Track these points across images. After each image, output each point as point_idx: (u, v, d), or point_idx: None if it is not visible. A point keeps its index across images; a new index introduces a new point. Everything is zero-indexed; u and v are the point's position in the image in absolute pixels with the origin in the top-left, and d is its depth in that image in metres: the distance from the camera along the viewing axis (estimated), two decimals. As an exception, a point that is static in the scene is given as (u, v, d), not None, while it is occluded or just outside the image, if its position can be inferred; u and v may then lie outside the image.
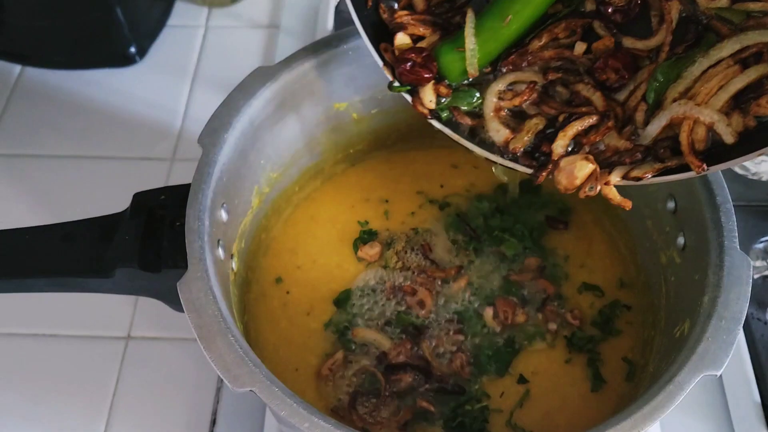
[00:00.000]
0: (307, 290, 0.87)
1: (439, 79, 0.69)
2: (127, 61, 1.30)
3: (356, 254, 0.89)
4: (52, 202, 1.13)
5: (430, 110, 0.70)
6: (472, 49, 0.67)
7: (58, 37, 1.27)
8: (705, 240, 0.68)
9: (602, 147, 0.65)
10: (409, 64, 0.68)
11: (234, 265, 0.78)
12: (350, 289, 0.87)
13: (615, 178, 0.63)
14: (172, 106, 1.26)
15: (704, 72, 0.62)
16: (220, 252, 0.72)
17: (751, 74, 0.60)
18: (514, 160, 0.67)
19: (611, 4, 0.67)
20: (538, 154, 0.66)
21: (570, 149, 0.65)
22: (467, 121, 0.69)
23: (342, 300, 0.86)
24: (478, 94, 0.69)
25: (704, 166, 0.59)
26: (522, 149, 0.66)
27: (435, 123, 0.71)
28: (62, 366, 0.99)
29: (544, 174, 0.65)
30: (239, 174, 0.77)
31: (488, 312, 0.84)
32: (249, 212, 0.83)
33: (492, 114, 0.67)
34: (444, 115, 0.70)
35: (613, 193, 0.64)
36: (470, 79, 0.69)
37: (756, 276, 0.98)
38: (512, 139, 0.66)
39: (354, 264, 0.89)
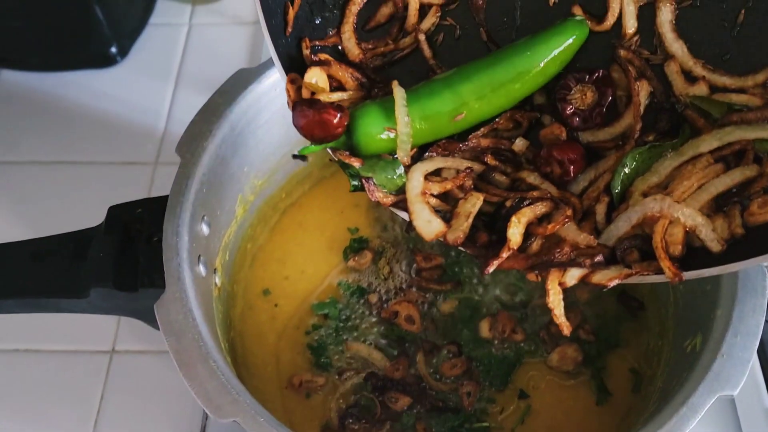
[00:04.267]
0: (296, 302, 0.83)
1: (348, 147, 0.56)
2: (107, 61, 1.25)
3: (346, 263, 0.85)
4: (30, 211, 1.09)
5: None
6: (406, 133, 0.54)
7: (35, 38, 1.22)
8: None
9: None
10: (314, 108, 0.54)
11: (218, 279, 0.74)
12: (340, 302, 0.82)
13: (571, 279, 0.52)
14: (155, 108, 1.21)
15: (678, 168, 0.53)
16: (201, 269, 0.67)
17: (736, 176, 0.52)
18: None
19: (571, 104, 0.57)
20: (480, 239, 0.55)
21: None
22: (381, 199, 0.55)
23: (332, 313, 0.82)
24: (401, 170, 0.55)
25: (682, 275, 0.50)
26: (463, 239, 0.54)
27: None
28: (45, 382, 0.95)
29: (495, 264, 0.52)
30: (221, 183, 0.73)
31: (484, 324, 0.80)
32: (233, 223, 0.78)
33: (419, 198, 0.54)
34: (351, 184, 0.57)
35: (556, 302, 0.52)
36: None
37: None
38: (449, 230, 0.54)
39: (344, 274, 0.85)
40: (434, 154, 0.57)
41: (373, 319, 0.81)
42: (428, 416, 0.75)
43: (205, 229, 0.70)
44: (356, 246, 0.86)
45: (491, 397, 0.76)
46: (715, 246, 0.51)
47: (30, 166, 1.14)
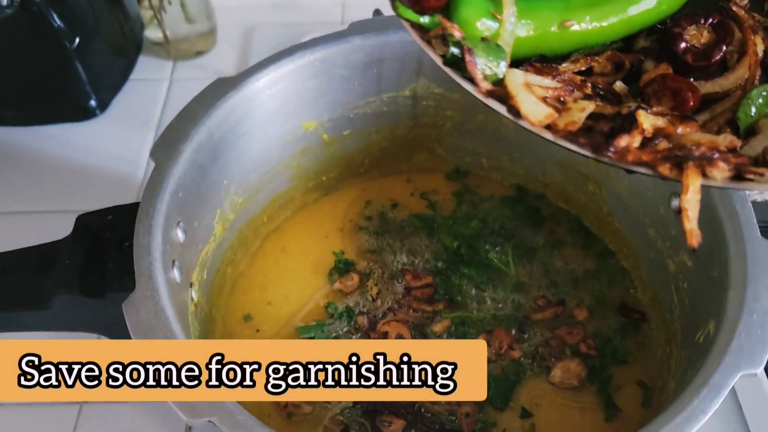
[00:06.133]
0: (279, 327, 0.78)
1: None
2: (86, 114, 1.23)
3: (332, 286, 0.81)
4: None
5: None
6: (511, 21, 0.49)
7: (13, 93, 1.20)
8: (720, 233, 0.61)
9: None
10: None
11: (194, 295, 0.69)
12: (326, 325, 0.77)
13: (721, 171, 0.44)
14: (134, 158, 1.19)
15: None
16: (176, 273, 0.63)
17: None
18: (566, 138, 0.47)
19: (685, 40, 0.52)
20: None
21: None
22: (479, 80, 0.47)
23: (318, 337, 0.76)
24: (503, 64, 0.48)
25: None
26: (578, 126, 0.46)
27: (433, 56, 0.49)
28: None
29: (624, 140, 0.44)
30: (199, 192, 0.69)
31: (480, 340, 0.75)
32: (211, 239, 0.74)
33: (521, 86, 0.47)
34: (449, 51, 0.48)
35: (693, 202, 0.44)
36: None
37: None
38: (560, 117, 0.46)
39: (330, 297, 0.80)
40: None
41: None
42: (425, 440, 0.69)
43: (180, 235, 0.66)
44: (342, 268, 0.82)
45: (491, 417, 0.70)
46: None
47: (6, 216, 1.10)
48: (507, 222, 0.85)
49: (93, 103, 1.23)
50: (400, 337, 0.75)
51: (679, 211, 0.69)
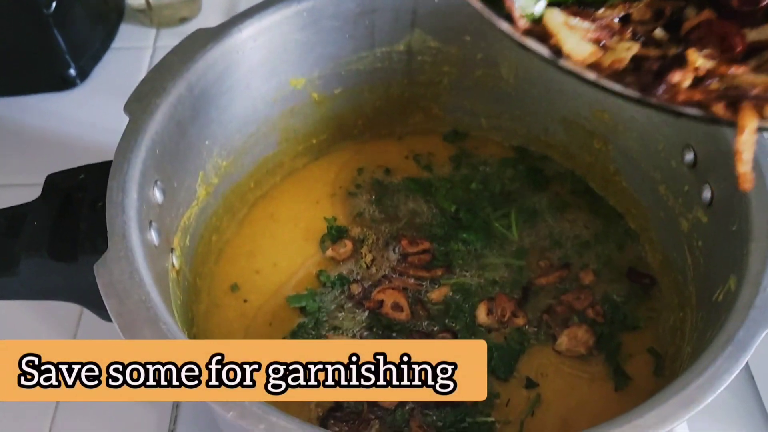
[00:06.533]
0: (268, 297, 0.73)
1: None
2: (66, 84, 1.18)
3: (324, 254, 0.76)
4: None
5: None
6: None
7: (-11, 63, 1.15)
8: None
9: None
10: None
11: (175, 261, 0.64)
12: (319, 294, 0.73)
13: None
14: (116, 128, 1.12)
15: None
16: (153, 235, 0.58)
17: None
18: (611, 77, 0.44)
19: None
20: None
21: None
22: (516, 17, 0.44)
23: (309, 306, 0.72)
24: (542, 3, 0.45)
25: None
26: (624, 65, 0.43)
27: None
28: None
29: (677, 75, 0.42)
30: (178, 150, 0.65)
31: (482, 308, 0.71)
32: (194, 203, 0.70)
33: (562, 25, 0.44)
34: None
35: (749, 144, 0.41)
36: None
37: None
38: (605, 55, 0.44)
39: (322, 264, 0.76)
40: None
41: (357, 311, 0.72)
42: (423, 412, 0.65)
43: (158, 194, 0.61)
44: (335, 234, 0.77)
45: (494, 388, 0.66)
46: None
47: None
48: (508, 184, 0.81)
49: (73, 72, 1.18)
50: (396, 305, 0.70)
51: (693, 164, 0.65)
